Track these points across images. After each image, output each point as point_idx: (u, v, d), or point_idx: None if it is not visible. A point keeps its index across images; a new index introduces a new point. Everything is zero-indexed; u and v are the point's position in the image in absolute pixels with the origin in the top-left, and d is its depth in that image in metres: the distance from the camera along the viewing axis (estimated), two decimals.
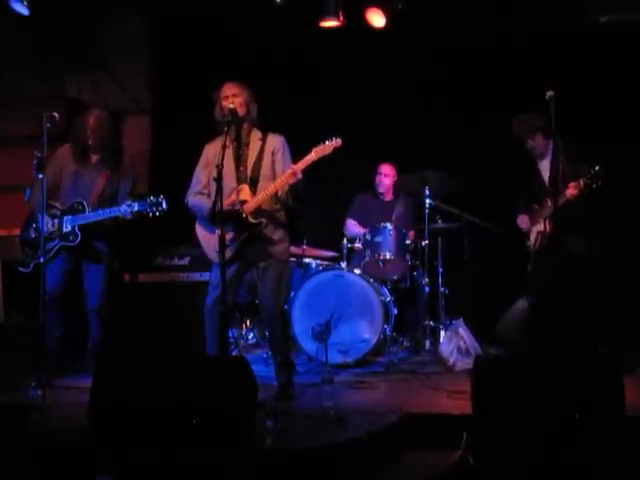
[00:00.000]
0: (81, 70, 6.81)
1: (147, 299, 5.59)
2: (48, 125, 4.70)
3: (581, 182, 4.84)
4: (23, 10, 5.68)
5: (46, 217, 4.96)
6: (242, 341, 6.19)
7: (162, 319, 5.45)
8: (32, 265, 5.04)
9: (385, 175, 6.39)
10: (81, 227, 4.98)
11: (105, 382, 3.42)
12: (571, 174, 4.92)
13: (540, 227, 5.23)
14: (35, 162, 4.68)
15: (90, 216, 4.97)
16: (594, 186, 4.82)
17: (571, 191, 4.89)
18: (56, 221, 5.02)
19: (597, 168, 4.81)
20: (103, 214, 4.96)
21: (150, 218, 4.91)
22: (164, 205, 4.86)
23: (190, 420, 3.20)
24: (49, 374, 4.72)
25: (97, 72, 6.78)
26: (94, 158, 5.17)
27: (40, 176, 4.63)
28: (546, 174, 5.21)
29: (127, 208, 4.88)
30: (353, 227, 6.37)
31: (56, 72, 6.72)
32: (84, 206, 4.99)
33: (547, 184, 5.17)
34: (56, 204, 5.07)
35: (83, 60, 6.70)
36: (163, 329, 5.42)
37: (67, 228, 4.98)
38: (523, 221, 5.40)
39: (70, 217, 4.99)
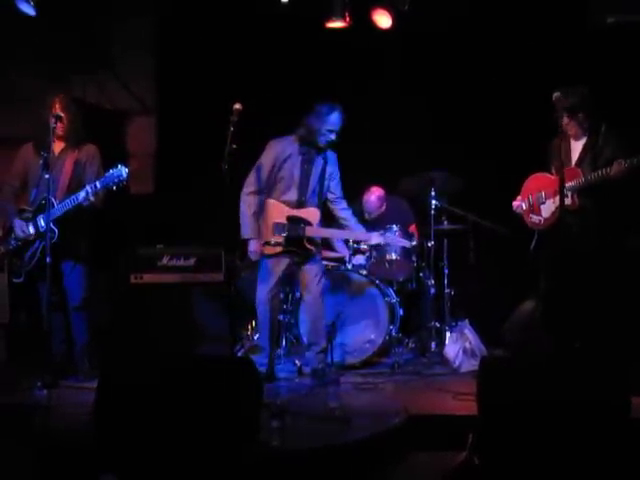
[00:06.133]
0: (87, 71, 6.80)
1: (152, 299, 5.59)
2: (53, 125, 4.70)
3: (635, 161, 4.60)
4: (30, 11, 5.68)
5: (20, 222, 4.90)
6: (247, 342, 6.19)
7: (167, 319, 5.46)
8: (24, 274, 4.95)
9: (373, 199, 6.36)
10: (57, 223, 4.78)
11: (110, 382, 3.42)
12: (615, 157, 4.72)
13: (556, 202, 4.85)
14: (41, 162, 4.67)
15: (58, 209, 4.79)
16: None
17: (617, 167, 4.64)
18: (30, 223, 4.90)
19: None
20: (69, 202, 4.78)
21: (124, 196, 4.90)
22: (124, 174, 4.72)
23: (195, 420, 3.20)
24: (55, 374, 4.72)
25: (103, 73, 6.77)
26: (58, 149, 4.98)
27: (46, 176, 4.61)
28: (575, 154, 4.93)
29: (90, 190, 4.73)
30: (341, 245, 6.37)
31: (62, 73, 6.72)
32: (52, 202, 4.77)
33: (574, 164, 4.89)
34: (26, 206, 4.96)
35: (89, 61, 6.69)
36: (168, 329, 5.42)
37: (43, 227, 4.79)
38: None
39: (42, 215, 4.80)
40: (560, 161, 4.77)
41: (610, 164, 4.68)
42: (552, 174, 5.02)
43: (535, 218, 5.05)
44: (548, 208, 4.97)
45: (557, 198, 4.80)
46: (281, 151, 4.91)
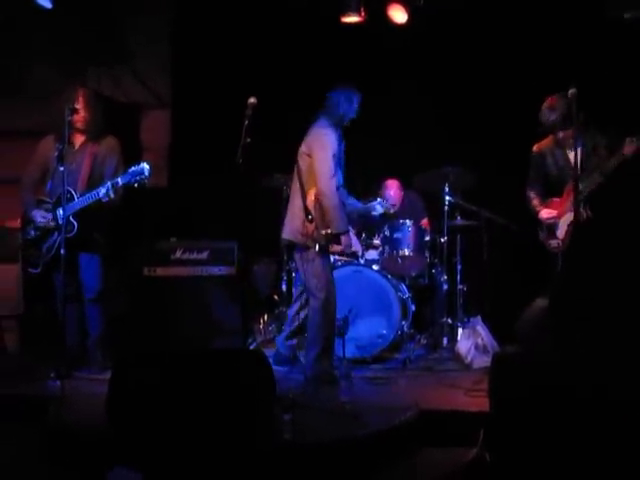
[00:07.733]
0: (102, 64, 6.82)
1: (165, 292, 5.59)
2: (69, 117, 4.71)
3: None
4: (46, 3, 5.70)
5: (41, 212, 4.93)
6: (259, 336, 6.21)
7: (180, 313, 5.46)
8: (41, 265, 4.96)
9: (393, 194, 6.44)
10: (76, 216, 4.81)
11: (124, 374, 3.44)
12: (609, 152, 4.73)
13: (571, 217, 4.83)
14: (56, 154, 4.70)
15: (78, 203, 4.80)
16: None
17: (630, 147, 4.61)
18: (50, 215, 4.92)
19: None
20: (90, 197, 4.79)
21: (138, 189, 4.80)
22: (146, 172, 4.72)
23: (207, 412, 3.22)
24: (68, 365, 4.75)
25: (118, 66, 6.79)
26: (78, 142, 5.01)
27: (61, 168, 4.64)
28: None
29: (110, 186, 4.73)
30: (355, 241, 6.35)
31: (77, 66, 6.74)
32: (72, 194, 4.80)
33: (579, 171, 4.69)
34: (46, 198, 4.97)
35: (104, 54, 6.71)
36: (181, 322, 5.43)
37: (62, 220, 4.77)
38: (549, 214, 5.04)
39: (62, 208, 4.78)
40: (559, 169, 4.91)
41: (615, 148, 4.67)
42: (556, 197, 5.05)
43: (554, 242, 5.06)
44: (561, 228, 4.99)
45: (567, 216, 4.90)
46: (335, 139, 4.85)
